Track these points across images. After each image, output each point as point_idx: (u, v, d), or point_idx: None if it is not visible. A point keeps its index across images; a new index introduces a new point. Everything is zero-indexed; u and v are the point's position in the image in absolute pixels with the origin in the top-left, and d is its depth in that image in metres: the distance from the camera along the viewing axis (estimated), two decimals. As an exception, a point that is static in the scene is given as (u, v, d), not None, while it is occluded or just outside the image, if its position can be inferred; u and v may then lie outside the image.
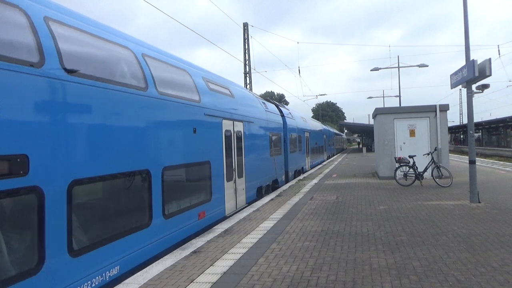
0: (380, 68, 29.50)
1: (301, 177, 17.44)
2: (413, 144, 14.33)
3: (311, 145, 23.23)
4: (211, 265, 5.08)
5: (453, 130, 60.55)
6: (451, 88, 10.36)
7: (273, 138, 13.52)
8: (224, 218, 8.33)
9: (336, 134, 52.25)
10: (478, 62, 8.50)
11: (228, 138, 8.78)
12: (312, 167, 23.23)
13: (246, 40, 25.77)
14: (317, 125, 29.40)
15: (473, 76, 8.55)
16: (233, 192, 9.12)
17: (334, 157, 38.10)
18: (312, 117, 59.02)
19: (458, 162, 22.51)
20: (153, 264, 5.21)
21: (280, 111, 15.92)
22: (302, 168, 19.76)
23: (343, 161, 28.91)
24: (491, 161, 24.02)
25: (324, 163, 28.02)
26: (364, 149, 45.43)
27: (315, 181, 15.30)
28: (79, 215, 4.16)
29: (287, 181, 15.99)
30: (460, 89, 59.90)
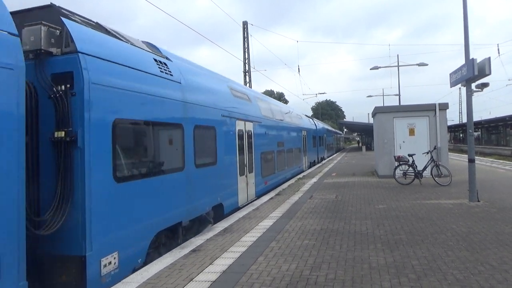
0: (380, 67, 29.53)
1: (301, 176, 17.36)
2: (413, 142, 14.33)
3: (263, 148, 12.16)
4: (210, 264, 5.09)
5: (452, 129, 60.57)
6: (451, 87, 10.38)
7: None
8: None
9: (330, 131, 40.63)
10: (478, 61, 8.50)
11: None
12: (263, 192, 11.78)
13: (245, 38, 25.73)
14: (287, 114, 17.25)
15: (472, 74, 8.55)
16: None
17: (325, 160, 29.49)
18: (312, 115, 54.29)
19: (457, 160, 22.52)
20: (153, 263, 5.22)
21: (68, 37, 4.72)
22: (220, 207, 8.41)
23: (342, 160, 28.92)
24: (491, 160, 24.03)
25: (302, 175, 17.90)
26: (364, 147, 45.50)
27: (314, 179, 15.30)
28: None
29: None
30: (460, 88, 60.04)
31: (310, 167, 22.64)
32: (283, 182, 14.80)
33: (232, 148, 9.37)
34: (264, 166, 12.22)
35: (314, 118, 31.51)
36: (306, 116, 26.22)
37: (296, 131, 18.54)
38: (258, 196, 11.27)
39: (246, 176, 10.31)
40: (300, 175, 17.45)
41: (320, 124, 33.05)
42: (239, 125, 9.93)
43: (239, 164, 9.78)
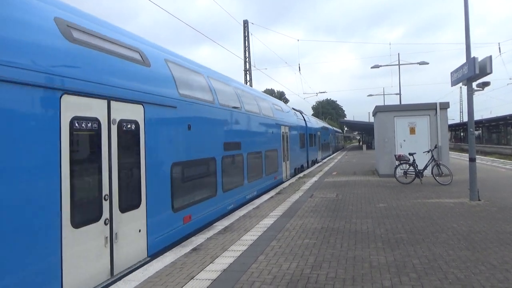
0: (381, 66, 29.43)
1: (301, 174, 17.36)
2: (413, 141, 14.32)
3: (181, 156, 6.63)
4: (211, 262, 5.09)
5: (453, 127, 60.52)
6: (452, 86, 10.36)
7: None
8: None
9: (326, 129, 35.25)
10: (479, 60, 8.48)
11: None
12: (184, 235, 6.56)
13: (246, 37, 25.73)
14: (250, 102, 11.60)
15: (473, 73, 8.53)
16: None
17: (320, 163, 24.86)
18: (313, 114, 51.65)
19: (458, 159, 22.50)
20: (153, 261, 5.22)
21: None
22: None
23: (343, 159, 28.92)
24: (491, 159, 24.02)
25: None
26: (364, 146, 45.53)
27: (315, 178, 15.30)
28: None
29: None
30: (461, 87, 59.94)
31: (295, 174, 17.68)
32: (240, 206, 9.55)
33: (40, 167, 3.77)
34: (182, 188, 6.72)
35: (304, 113, 24.74)
36: (294, 109, 21.18)
37: (269, 126, 13.21)
38: (156, 252, 5.68)
39: (111, 222, 4.72)
40: (301, 174, 17.41)
41: (313, 120, 27.90)
42: (87, 110, 4.46)
43: (77, 198, 4.22)
